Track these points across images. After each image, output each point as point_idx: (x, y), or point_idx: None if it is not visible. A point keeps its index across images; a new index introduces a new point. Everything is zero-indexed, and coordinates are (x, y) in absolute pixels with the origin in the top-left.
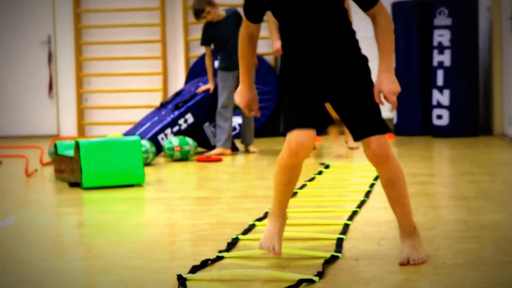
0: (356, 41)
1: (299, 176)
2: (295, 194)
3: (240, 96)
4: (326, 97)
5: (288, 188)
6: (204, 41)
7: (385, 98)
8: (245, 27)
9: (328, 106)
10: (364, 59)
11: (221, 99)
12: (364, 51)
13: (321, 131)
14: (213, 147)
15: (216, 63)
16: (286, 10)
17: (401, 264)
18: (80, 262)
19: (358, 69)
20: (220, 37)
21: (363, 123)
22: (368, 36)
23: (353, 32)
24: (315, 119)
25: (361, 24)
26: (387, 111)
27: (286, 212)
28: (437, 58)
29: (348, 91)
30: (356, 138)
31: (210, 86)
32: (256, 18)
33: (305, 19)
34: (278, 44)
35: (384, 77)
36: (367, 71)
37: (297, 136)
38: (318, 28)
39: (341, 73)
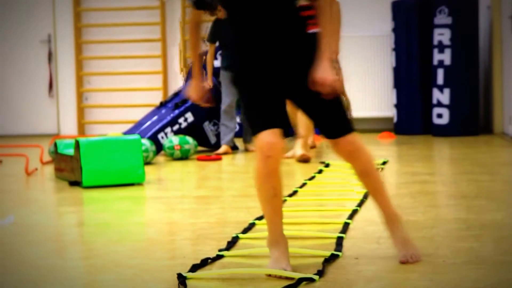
0: (308, 33)
1: (282, 186)
2: (295, 192)
3: (194, 91)
4: (286, 93)
5: (275, 201)
6: (212, 38)
7: (320, 86)
8: (192, 15)
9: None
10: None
11: (228, 99)
12: (364, 50)
13: (288, 129)
14: (213, 146)
15: (216, 63)
16: None
17: (403, 263)
18: (80, 261)
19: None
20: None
21: (332, 125)
22: (369, 36)
23: (305, 23)
24: (280, 117)
25: (360, 23)
26: (389, 111)
27: (284, 236)
28: (437, 57)
29: (309, 88)
30: (326, 137)
31: (209, 84)
32: (202, 4)
33: (255, 7)
34: None
35: (320, 66)
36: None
37: (265, 138)
38: (269, 18)
39: (298, 67)
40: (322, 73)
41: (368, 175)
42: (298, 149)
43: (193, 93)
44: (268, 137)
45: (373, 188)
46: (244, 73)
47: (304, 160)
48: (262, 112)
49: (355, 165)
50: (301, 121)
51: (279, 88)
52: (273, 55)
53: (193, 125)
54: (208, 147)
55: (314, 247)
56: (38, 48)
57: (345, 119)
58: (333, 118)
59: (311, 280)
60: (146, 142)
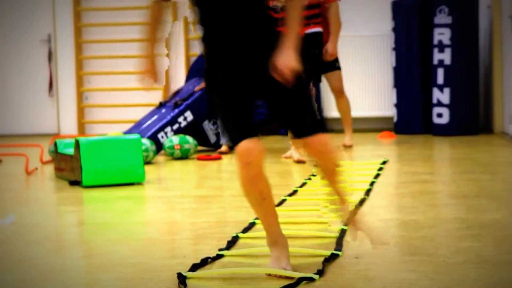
0: (279, 32)
1: (270, 188)
2: (295, 192)
3: (138, 67)
4: (258, 95)
5: (266, 204)
6: None
7: (279, 72)
8: (151, 10)
9: None
10: None
11: None
12: (364, 50)
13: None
14: (213, 145)
15: None
16: None
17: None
18: (80, 260)
19: None
20: None
21: (305, 124)
22: (369, 35)
23: (275, 22)
24: (255, 123)
25: (360, 23)
26: (389, 110)
27: (282, 235)
28: (437, 56)
29: (280, 87)
30: (296, 137)
31: None
32: None
33: (224, 7)
34: None
35: (282, 53)
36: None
37: (245, 147)
38: (238, 19)
39: (268, 66)
40: (284, 59)
41: (333, 173)
42: (294, 152)
43: (142, 71)
44: (248, 145)
45: (335, 182)
46: (218, 80)
47: (300, 162)
48: (239, 122)
49: (324, 164)
50: None
51: (253, 92)
52: (244, 57)
53: (193, 124)
54: (208, 146)
55: (314, 246)
56: (38, 48)
57: (316, 118)
58: (305, 117)
59: (311, 279)
60: (146, 142)
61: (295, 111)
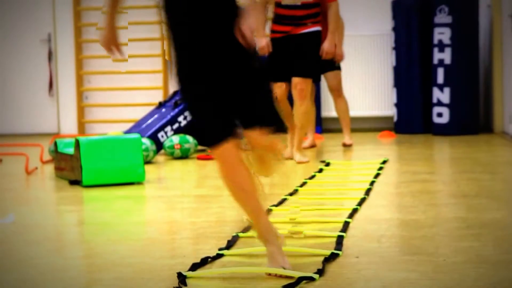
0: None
1: (253, 184)
2: (295, 191)
3: (100, 37)
4: (229, 86)
5: (249, 199)
6: None
7: (242, 34)
8: None
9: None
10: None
11: None
12: (364, 49)
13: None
14: None
15: None
16: None
17: None
18: (80, 260)
19: (249, 54)
20: None
21: (257, 114)
22: (369, 35)
23: (239, 8)
24: (232, 124)
25: (360, 23)
26: (389, 110)
27: (272, 233)
28: (437, 56)
29: (239, 77)
30: (246, 126)
31: None
32: None
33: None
34: (263, 41)
35: (246, 17)
36: (254, 53)
37: (222, 148)
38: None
39: (233, 57)
40: (248, 22)
41: (265, 161)
42: (295, 153)
43: (100, 41)
44: (225, 145)
45: (266, 171)
46: (190, 79)
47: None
48: (216, 122)
49: (257, 152)
50: (297, 121)
51: (225, 84)
52: (210, 43)
53: (193, 123)
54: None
55: (314, 246)
56: (38, 47)
57: (274, 113)
58: (261, 107)
59: (311, 279)
60: (146, 141)
61: (252, 99)
